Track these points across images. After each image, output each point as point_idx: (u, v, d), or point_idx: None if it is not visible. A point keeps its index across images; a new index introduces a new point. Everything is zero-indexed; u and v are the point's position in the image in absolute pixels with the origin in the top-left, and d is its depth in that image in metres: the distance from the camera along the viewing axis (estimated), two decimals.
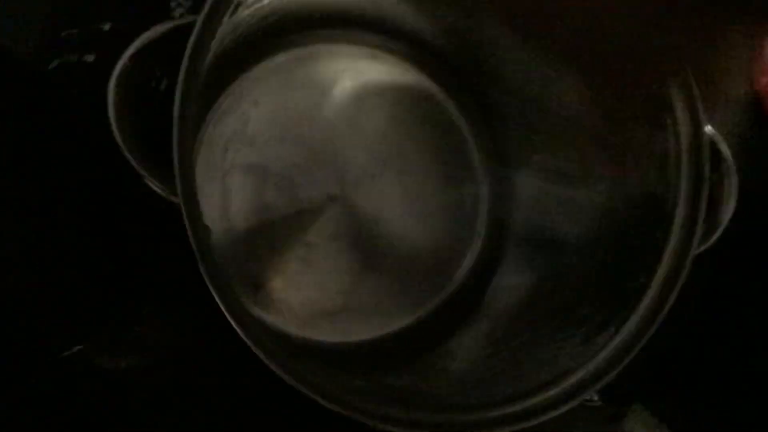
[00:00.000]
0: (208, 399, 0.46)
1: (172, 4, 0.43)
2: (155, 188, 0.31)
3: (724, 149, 0.36)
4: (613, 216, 0.41)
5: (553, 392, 0.34)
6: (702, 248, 0.36)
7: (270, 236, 0.48)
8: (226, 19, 0.33)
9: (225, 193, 0.47)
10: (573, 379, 0.34)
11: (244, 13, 0.38)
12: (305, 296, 0.48)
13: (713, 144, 0.36)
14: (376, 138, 0.50)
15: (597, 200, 0.42)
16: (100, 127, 0.36)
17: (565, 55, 0.37)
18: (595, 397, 0.43)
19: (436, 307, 0.50)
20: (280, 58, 0.49)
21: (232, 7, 0.34)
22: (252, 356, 0.45)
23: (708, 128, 0.36)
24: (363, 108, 0.50)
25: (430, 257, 0.51)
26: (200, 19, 0.30)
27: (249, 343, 0.32)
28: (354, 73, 0.50)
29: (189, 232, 0.28)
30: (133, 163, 0.29)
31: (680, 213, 0.36)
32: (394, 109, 0.51)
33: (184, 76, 0.29)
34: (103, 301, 0.45)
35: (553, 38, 0.34)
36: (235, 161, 0.48)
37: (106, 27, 0.42)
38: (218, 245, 0.46)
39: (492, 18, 0.42)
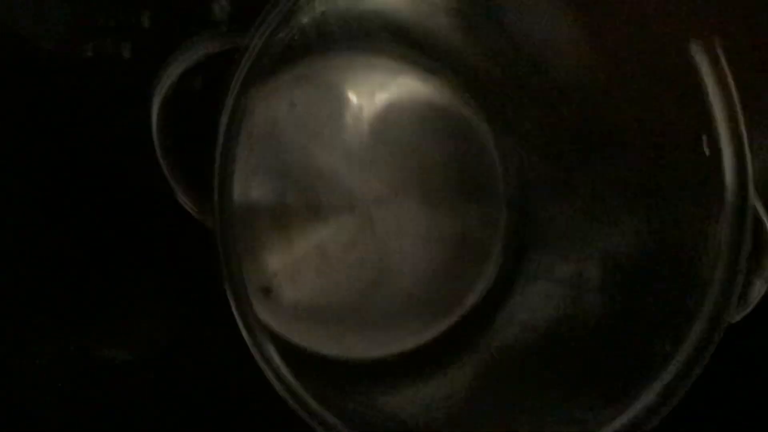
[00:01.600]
0: (209, 393, 0.46)
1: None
2: (186, 206, 0.30)
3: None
4: (643, 265, 0.40)
5: None
6: (737, 318, 0.35)
7: (286, 241, 0.47)
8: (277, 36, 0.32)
9: (246, 193, 0.47)
10: None
11: (295, 21, 0.36)
12: (314, 307, 0.48)
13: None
14: (404, 154, 0.50)
15: (627, 245, 0.41)
16: (130, 122, 0.36)
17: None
18: None
19: (444, 331, 0.50)
20: (317, 64, 0.48)
21: (284, 19, 0.33)
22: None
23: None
24: (395, 123, 0.50)
25: (443, 280, 0.50)
26: (252, 50, 0.29)
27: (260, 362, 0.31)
28: (391, 87, 0.50)
29: (223, 265, 0.27)
30: (172, 183, 0.28)
31: (718, 276, 0.35)
32: (426, 129, 0.50)
33: (231, 108, 0.28)
34: (103, 293, 0.44)
35: None
36: (259, 164, 0.47)
37: (145, 18, 0.41)
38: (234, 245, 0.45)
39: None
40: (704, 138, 0.35)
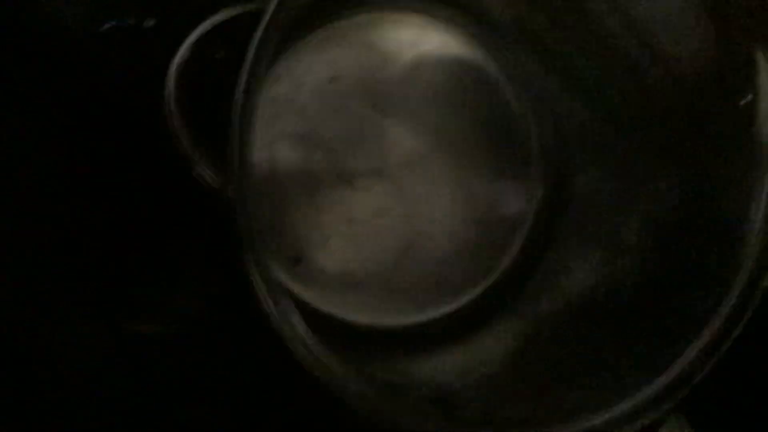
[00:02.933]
0: (238, 365, 0.46)
1: None
2: (206, 176, 0.29)
3: None
4: (680, 227, 0.39)
5: (592, 422, 0.32)
6: None
7: (313, 209, 0.47)
8: None
9: (272, 161, 0.46)
10: (619, 408, 0.33)
11: None
12: (344, 274, 0.47)
13: None
14: (432, 117, 0.48)
15: (664, 206, 0.40)
16: (148, 96, 0.35)
17: None
18: None
19: (477, 297, 0.49)
20: (337, 26, 0.47)
21: None
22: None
23: None
24: (422, 84, 0.48)
25: (475, 245, 0.49)
26: (270, 10, 0.28)
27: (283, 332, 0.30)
28: (417, 45, 0.48)
29: (240, 231, 0.27)
30: (188, 151, 0.27)
31: (757, 237, 0.34)
32: (454, 90, 0.49)
33: (248, 71, 0.27)
34: (130, 267, 0.44)
35: None
36: (285, 129, 0.46)
37: None
38: (261, 215, 0.45)
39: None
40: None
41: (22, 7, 0.41)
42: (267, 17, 0.28)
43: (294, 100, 0.46)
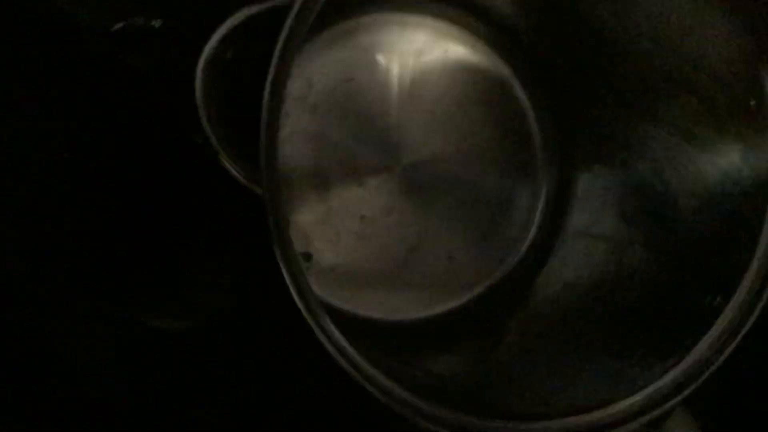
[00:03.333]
0: (259, 361, 0.46)
1: None
2: (233, 171, 0.30)
3: None
4: (688, 219, 0.40)
5: (601, 414, 0.33)
6: None
7: (324, 207, 0.47)
8: None
9: (284, 158, 0.47)
10: (627, 402, 0.33)
11: None
12: (355, 270, 0.48)
13: None
14: (440, 116, 0.49)
15: (671, 206, 0.41)
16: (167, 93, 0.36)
17: None
18: None
19: (485, 292, 0.49)
20: (347, 26, 0.48)
21: None
22: (302, 318, 0.45)
23: None
24: (431, 84, 0.49)
25: (483, 242, 0.50)
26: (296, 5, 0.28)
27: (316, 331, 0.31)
28: (425, 46, 0.49)
29: (272, 227, 0.27)
30: (217, 147, 0.28)
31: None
32: (462, 89, 0.49)
33: (276, 67, 0.28)
34: (155, 263, 0.44)
35: None
36: (295, 128, 0.47)
37: None
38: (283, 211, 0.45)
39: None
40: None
41: (35, 6, 0.42)
42: (293, 13, 0.28)
43: (305, 99, 0.47)
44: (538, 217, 0.50)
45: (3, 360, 0.40)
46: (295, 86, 0.47)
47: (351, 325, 0.46)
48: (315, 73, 0.47)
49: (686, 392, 0.32)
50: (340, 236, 0.47)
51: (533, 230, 0.50)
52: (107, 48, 0.43)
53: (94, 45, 0.43)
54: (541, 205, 0.51)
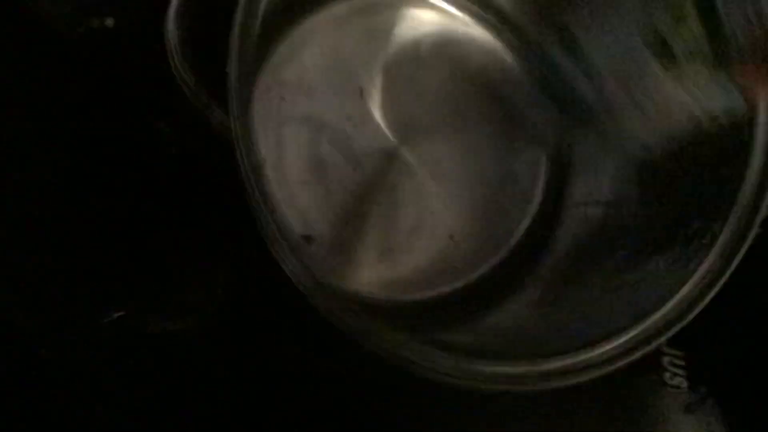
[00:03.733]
0: (256, 361, 0.46)
1: None
2: (212, 117, 0.30)
3: None
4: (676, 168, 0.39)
5: (619, 341, 0.32)
6: None
7: (324, 189, 0.47)
8: None
9: (280, 144, 0.47)
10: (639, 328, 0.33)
11: None
12: (356, 251, 0.47)
13: None
14: (436, 94, 0.49)
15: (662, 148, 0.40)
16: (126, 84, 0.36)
17: None
18: (685, 384, 0.41)
19: (490, 270, 0.49)
20: (341, 8, 0.48)
21: None
22: (298, 317, 0.45)
23: None
24: (424, 63, 0.49)
25: (485, 220, 0.49)
26: None
27: (303, 287, 0.31)
28: (417, 25, 0.49)
29: (241, 159, 0.27)
30: (194, 93, 0.28)
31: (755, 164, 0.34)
32: (456, 66, 0.50)
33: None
34: (144, 265, 0.44)
35: None
36: (291, 112, 0.47)
37: None
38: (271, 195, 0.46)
39: None
40: None
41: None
42: None
43: (300, 82, 0.47)
44: (538, 192, 0.50)
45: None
46: (289, 70, 0.47)
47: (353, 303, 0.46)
48: (309, 56, 0.48)
49: (687, 319, 0.31)
50: (339, 217, 0.47)
51: (534, 206, 0.50)
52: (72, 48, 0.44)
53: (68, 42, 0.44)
54: (541, 180, 0.50)
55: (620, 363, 0.32)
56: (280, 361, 0.46)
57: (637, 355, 0.31)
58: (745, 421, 0.39)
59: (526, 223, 0.50)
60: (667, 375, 0.39)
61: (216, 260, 0.47)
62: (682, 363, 0.39)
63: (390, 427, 0.46)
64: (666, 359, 0.39)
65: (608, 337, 0.32)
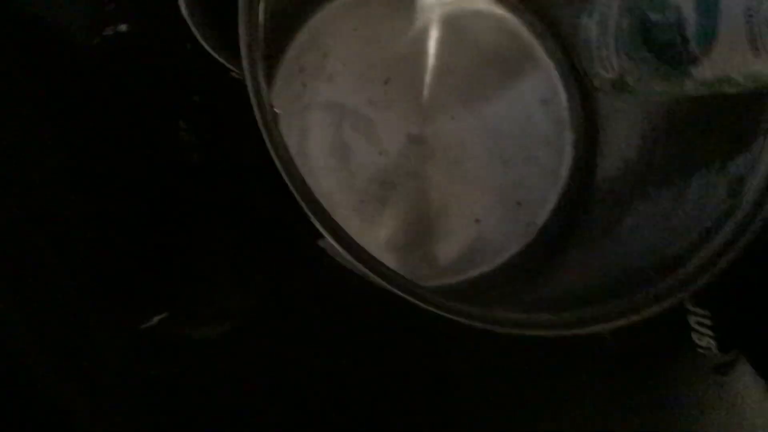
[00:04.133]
0: (295, 363, 0.46)
1: None
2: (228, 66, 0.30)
3: None
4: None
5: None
6: None
7: (348, 175, 0.47)
8: None
9: (303, 129, 0.47)
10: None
11: None
12: (380, 236, 0.47)
13: None
14: (459, 77, 0.49)
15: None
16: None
17: None
18: (713, 345, 0.40)
19: (522, 250, 0.48)
20: None
21: None
22: (334, 315, 0.45)
23: None
24: (447, 46, 0.49)
25: (510, 201, 0.49)
26: None
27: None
28: (440, 9, 0.49)
29: (254, 107, 0.27)
30: (204, 43, 0.28)
31: None
32: (479, 49, 0.49)
33: None
34: (181, 271, 0.44)
35: None
36: (314, 98, 0.47)
37: None
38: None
39: None
40: None
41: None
42: None
43: (322, 68, 0.47)
44: (564, 172, 0.49)
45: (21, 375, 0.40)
46: (309, 58, 0.47)
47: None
48: (330, 42, 0.48)
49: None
50: (364, 203, 0.47)
51: (561, 186, 0.49)
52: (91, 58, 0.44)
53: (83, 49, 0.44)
54: (566, 160, 0.50)
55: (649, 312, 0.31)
56: (317, 363, 0.46)
57: (668, 302, 0.31)
58: None
59: (552, 203, 0.49)
60: (696, 336, 0.38)
61: (251, 264, 0.47)
62: (709, 323, 0.38)
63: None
64: (693, 319, 0.38)
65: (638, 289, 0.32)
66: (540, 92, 0.50)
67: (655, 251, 0.36)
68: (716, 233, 0.32)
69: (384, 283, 0.29)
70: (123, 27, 0.44)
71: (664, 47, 0.34)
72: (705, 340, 0.38)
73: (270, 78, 0.46)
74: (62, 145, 0.43)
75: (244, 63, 0.28)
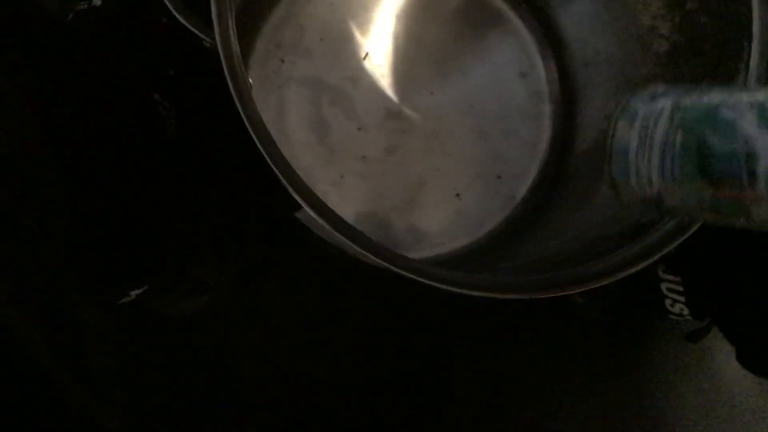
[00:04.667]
0: (274, 338, 0.46)
1: None
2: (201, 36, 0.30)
3: None
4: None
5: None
6: None
7: (327, 150, 0.47)
8: None
9: (281, 105, 0.47)
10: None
11: None
12: (360, 211, 0.47)
13: None
14: (437, 52, 0.49)
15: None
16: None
17: None
18: (686, 312, 0.40)
19: (503, 222, 0.49)
20: None
21: None
22: (311, 288, 0.45)
23: None
24: (425, 21, 0.49)
25: (489, 175, 0.49)
26: None
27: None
28: None
29: (227, 75, 0.27)
30: (177, 15, 0.28)
31: None
32: (458, 24, 0.50)
33: None
34: (158, 245, 0.44)
35: None
36: (291, 73, 0.47)
37: None
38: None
39: None
40: None
41: None
42: None
43: (299, 44, 0.47)
44: (543, 146, 0.50)
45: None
46: (286, 33, 0.47)
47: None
48: (307, 18, 0.47)
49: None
50: (343, 177, 0.47)
51: (539, 160, 0.50)
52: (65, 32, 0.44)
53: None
54: (545, 134, 0.50)
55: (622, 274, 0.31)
56: (300, 340, 0.46)
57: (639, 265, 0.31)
58: (749, 352, 0.39)
59: (532, 176, 0.50)
60: (668, 302, 0.39)
61: (228, 238, 0.47)
62: (681, 289, 0.38)
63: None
64: (665, 286, 0.38)
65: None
66: (518, 65, 0.50)
67: (629, 217, 0.36)
68: None
69: (361, 251, 0.29)
70: (97, 1, 0.44)
71: (725, 180, 0.28)
72: (678, 307, 0.38)
73: (247, 53, 0.46)
74: (36, 121, 0.42)
75: (216, 29, 0.28)
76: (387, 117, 0.48)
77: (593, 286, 0.31)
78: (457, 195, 0.48)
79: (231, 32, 0.28)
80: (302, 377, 0.46)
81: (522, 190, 0.49)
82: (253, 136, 0.28)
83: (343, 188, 0.47)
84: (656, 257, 0.32)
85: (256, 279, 0.47)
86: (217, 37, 0.28)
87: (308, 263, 0.47)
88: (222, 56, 0.28)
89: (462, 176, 0.49)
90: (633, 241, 0.33)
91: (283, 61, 0.47)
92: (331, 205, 0.46)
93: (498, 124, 0.50)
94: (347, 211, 0.47)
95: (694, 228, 0.32)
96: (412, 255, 0.46)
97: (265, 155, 0.28)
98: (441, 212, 0.48)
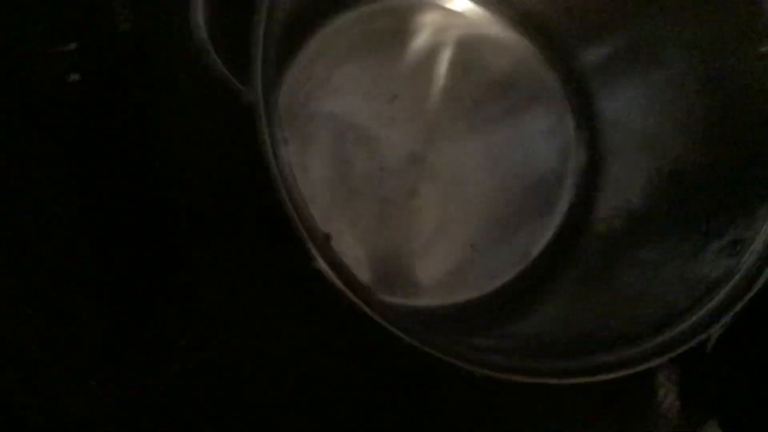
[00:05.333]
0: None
1: None
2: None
3: None
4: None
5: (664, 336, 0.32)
6: None
7: (346, 188, 0.47)
8: None
9: (305, 139, 0.46)
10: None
11: None
12: (376, 253, 0.47)
13: None
14: (466, 100, 0.49)
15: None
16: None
17: None
18: (676, 405, 0.40)
19: (515, 278, 0.48)
20: (371, 7, 0.48)
21: None
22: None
23: None
24: (457, 68, 0.49)
25: (507, 230, 0.49)
26: None
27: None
28: (448, 28, 0.49)
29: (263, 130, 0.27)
30: (216, 64, 0.28)
31: None
32: (489, 74, 0.49)
33: None
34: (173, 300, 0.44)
35: None
36: (318, 109, 0.47)
37: None
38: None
39: None
40: None
41: None
42: None
43: (329, 80, 0.47)
44: (563, 205, 0.49)
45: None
46: (318, 68, 0.47)
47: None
48: (338, 55, 0.47)
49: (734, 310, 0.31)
50: (360, 218, 0.47)
51: (558, 218, 0.49)
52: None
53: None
54: (566, 193, 0.49)
55: (637, 368, 0.31)
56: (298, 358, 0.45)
57: (654, 362, 0.31)
58: None
59: (548, 235, 0.49)
60: (662, 392, 0.38)
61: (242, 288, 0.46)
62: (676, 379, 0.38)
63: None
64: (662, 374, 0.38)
65: (629, 342, 0.31)
66: (546, 123, 0.50)
67: (644, 302, 0.35)
68: (709, 295, 0.32)
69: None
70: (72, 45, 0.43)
71: None
72: (670, 399, 0.38)
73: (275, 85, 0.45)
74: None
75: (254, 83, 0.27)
76: (410, 161, 0.48)
77: (603, 379, 0.30)
78: (472, 246, 0.48)
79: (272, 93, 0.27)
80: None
81: (537, 247, 0.49)
82: (284, 196, 0.27)
83: (358, 229, 0.47)
84: (670, 355, 0.31)
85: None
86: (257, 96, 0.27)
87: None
88: (261, 113, 0.27)
89: (479, 228, 0.48)
90: (646, 334, 0.32)
91: (310, 96, 0.47)
92: (344, 245, 0.46)
93: (520, 179, 0.49)
94: (359, 253, 0.46)
95: (712, 330, 0.32)
96: (419, 301, 0.47)
97: (292, 215, 0.27)
98: (454, 261, 0.48)
